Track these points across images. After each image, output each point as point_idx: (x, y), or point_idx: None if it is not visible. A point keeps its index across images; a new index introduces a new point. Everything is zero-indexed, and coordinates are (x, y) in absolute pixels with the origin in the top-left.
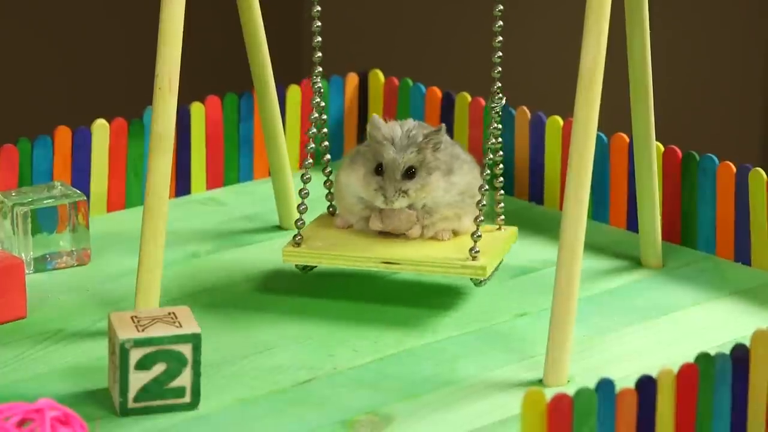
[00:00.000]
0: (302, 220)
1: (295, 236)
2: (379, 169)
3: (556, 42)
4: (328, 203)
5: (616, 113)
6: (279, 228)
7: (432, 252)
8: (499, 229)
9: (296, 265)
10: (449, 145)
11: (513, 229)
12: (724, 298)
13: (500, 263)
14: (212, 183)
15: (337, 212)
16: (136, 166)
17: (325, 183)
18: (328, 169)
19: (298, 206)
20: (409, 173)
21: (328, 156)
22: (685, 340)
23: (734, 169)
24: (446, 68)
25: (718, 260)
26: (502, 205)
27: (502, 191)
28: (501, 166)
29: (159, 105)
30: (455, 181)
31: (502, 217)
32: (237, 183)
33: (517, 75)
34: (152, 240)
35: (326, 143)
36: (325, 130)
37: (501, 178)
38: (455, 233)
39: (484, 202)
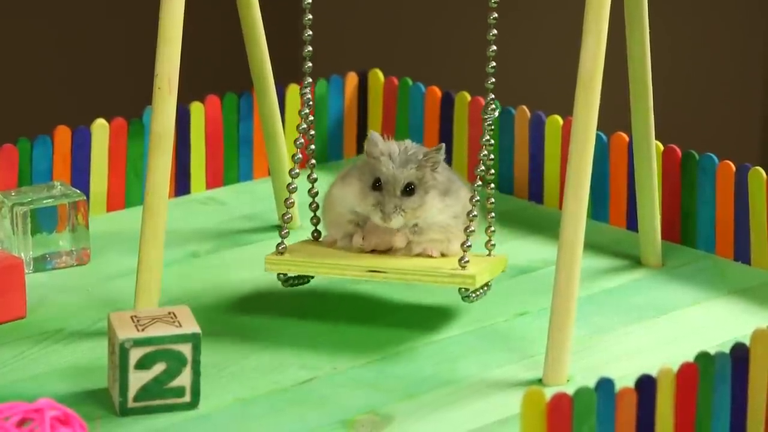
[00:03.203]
0: (286, 229)
1: (278, 245)
2: (376, 185)
3: (556, 41)
4: (313, 228)
5: (615, 112)
6: (278, 227)
7: (420, 261)
8: (489, 254)
9: (278, 277)
10: (446, 169)
11: (503, 256)
12: (724, 297)
13: (489, 287)
14: (212, 182)
15: (322, 236)
16: (136, 165)
17: (310, 205)
18: (315, 190)
19: (283, 215)
20: (408, 190)
21: (315, 176)
22: (684, 340)
23: (734, 168)
24: (446, 68)
25: (718, 259)
26: (493, 229)
27: (492, 214)
28: (492, 186)
29: (158, 105)
30: (450, 203)
31: (493, 242)
32: (237, 182)
33: (517, 74)
34: (152, 240)
35: (314, 161)
36: (312, 147)
37: (492, 200)
38: (443, 255)
39: (475, 213)
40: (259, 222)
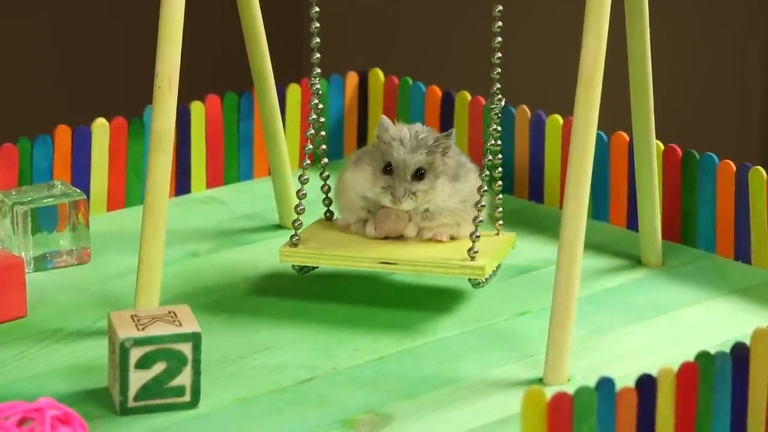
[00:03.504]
0: (300, 220)
1: (292, 237)
2: (387, 169)
3: (556, 41)
4: (325, 208)
5: (616, 112)
6: (279, 227)
7: (430, 252)
8: (497, 234)
9: (293, 267)
10: (456, 153)
11: (511, 235)
12: (724, 296)
13: (498, 268)
14: (212, 182)
15: (335, 217)
16: (136, 165)
17: (322, 188)
18: (326, 174)
19: (296, 207)
20: (418, 174)
21: (326, 160)
22: (684, 339)
23: (734, 168)
24: (446, 67)
25: (718, 259)
26: (501, 210)
27: (500, 196)
28: (500, 169)
29: (159, 104)
30: (460, 188)
31: (501, 222)
32: (237, 182)
33: (517, 74)
34: (152, 239)
35: (324, 146)
36: (323, 133)
37: (500, 182)
38: (453, 239)
39: (483, 203)
40: (259, 221)
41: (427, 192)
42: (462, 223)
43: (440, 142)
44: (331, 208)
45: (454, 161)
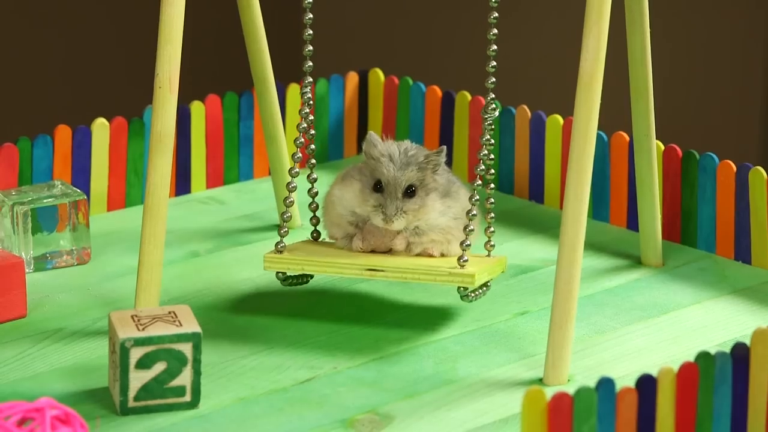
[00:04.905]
0: (285, 228)
1: (277, 243)
2: (377, 186)
3: (557, 41)
4: (312, 228)
5: (616, 112)
6: (278, 227)
7: (419, 260)
8: (488, 255)
9: (277, 276)
10: (445, 171)
11: (502, 257)
12: (724, 296)
13: (488, 287)
14: (212, 182)
15: (321, 238)
16: (136, 165)
17: (310, 205)
18: (315, 190)
19: (282, 214)
20: (409, 192)
21: (315, 175)
22: (685, 339)
23: (734, 168)
24: (446, 67)
25: (718, 259)
26: (492, 229)
27: (492, 214)
28: (492, 186)
29: (159, 104)
30: (451, 204)
31: (492, 242)
32: (237, 182)
33: (518, 74)
34: (152, 239)
35: (314, 160)
36: (312, 146)
37: (492, 200)
38: (443, 255)
39: (475, 212)
40: (259, 222)
41: (418, 210)
42: (453, 240)
43: (431, 159)
44: (318, 227)
45: (444, 178)
